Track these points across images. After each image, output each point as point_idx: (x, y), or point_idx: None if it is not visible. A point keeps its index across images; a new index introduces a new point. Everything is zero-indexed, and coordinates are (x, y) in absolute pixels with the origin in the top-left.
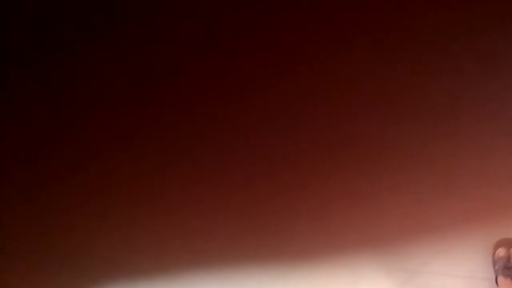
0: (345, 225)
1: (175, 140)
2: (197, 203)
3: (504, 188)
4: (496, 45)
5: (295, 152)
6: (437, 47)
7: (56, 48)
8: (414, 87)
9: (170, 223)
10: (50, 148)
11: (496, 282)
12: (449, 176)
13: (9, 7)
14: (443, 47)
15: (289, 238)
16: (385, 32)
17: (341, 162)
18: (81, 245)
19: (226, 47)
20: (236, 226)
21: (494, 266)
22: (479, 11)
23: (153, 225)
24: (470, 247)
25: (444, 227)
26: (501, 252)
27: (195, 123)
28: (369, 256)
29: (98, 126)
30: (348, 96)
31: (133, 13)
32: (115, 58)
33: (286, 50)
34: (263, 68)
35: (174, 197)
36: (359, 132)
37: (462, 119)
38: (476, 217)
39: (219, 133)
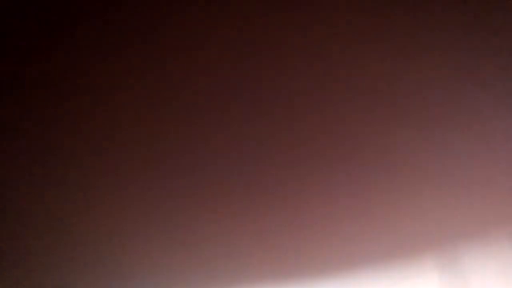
0: (360, 239)
1: (176, 149)
2: (200, 216)
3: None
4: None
5: (309, 162)
6: (434, 48)
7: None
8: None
9: (178, 239)
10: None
11: None
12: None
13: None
14: (441, 48)
15: (292, 252)
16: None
17: (348, 174)
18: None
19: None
20: (242, 237)
21: None
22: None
23: (161, 244)
24: None
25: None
26: None
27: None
28: (383, 270)
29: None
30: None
31: None
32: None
33: (283, 51)
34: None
35: (179, 212)
36: (373, 141)
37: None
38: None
39: (223, 142)
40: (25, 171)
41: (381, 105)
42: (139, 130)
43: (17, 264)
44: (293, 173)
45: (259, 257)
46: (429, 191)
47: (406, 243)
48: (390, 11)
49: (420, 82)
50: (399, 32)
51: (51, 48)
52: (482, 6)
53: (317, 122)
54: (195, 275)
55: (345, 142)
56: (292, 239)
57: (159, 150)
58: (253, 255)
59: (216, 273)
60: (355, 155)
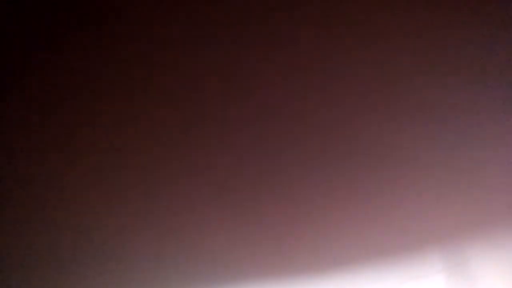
0: (353, 236)
1: (178, 151)
2: (200, 216)
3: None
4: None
5: (304, 161)
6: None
7: None
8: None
9: (179, 239)
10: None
11: None
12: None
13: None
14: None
15: (295, 251)
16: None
17: (351, 173)
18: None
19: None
20: (239, 237)
21: None
22: None
23: (161, 244)
24: None
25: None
26: None
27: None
28: (379, 269)
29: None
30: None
31: None
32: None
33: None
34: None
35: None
36: (370, 139)
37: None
38: None
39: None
40: (25, 171)
41: (383, 105)
42: (139, 130)
43: (17, 264)
44: (294, 173)
45: (260, 256)
46: (434, 191)
47: (413, 244)
48: (392, 11)
49: (421, 82)
50: (400, 32)
51: (52, 49)
52: (483, 6)
53: (318, 121)
54: (195, 274)
55: (347, 141)
56: (295, 238)
57: (160, 150)
58: (254, 254)
59: (216, 272)
60: (358, 154)
